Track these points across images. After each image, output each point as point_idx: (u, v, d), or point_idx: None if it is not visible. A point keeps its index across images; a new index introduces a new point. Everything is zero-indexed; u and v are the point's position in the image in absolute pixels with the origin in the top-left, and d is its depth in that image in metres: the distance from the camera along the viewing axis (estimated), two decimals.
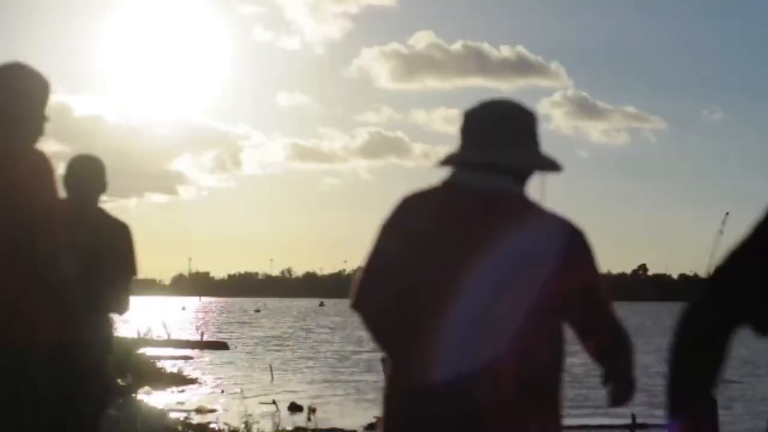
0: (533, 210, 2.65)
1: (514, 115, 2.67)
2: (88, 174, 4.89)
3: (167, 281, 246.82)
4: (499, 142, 2.63)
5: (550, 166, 2.69)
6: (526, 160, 2.66)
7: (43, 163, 3.50)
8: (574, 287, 2.63)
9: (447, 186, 2.68)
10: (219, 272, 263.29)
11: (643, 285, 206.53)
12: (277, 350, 33.26)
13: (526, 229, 2.59)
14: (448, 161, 2.70)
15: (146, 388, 15.97)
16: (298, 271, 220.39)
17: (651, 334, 48.16)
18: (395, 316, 2.68)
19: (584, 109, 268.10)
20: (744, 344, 2.61)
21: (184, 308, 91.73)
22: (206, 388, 19.66)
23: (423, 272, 2.62)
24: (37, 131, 3.58)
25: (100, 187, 4.95)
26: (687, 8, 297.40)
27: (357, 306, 2.73)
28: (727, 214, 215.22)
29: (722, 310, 1.97)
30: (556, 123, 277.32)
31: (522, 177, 2.68)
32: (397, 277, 2.66)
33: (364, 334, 3.36)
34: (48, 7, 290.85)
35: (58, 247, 3.51)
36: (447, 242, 2.62)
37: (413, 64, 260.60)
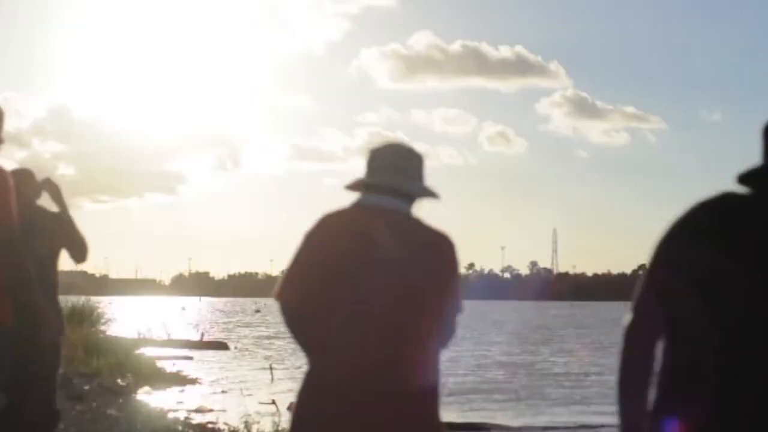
0: (423, 227, 3.42)
1: (409, 155, 3.49)
2: (26, 183, 5.61)
3: (167, 281, 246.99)
4: (399, 173, 3.43)
5: (432, 194, 3.49)
6: (416, 189, 3.45)
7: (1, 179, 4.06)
8: (452, 294, 3.40)
9: (358, 206, 3.44)
10: (219, 272, 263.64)
11: None
12: (277, 350, 33.28)
13: (424, 242, 3.38)
14: (356, 185, 3.48)
15: (146, 388, 15.97)
16: None
17: None
18: (313, 316, 3.37)
19: (584, 109, 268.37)
20: None
21: (184, 308, 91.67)
22: (206, 388, 19.65)
23: (342, 279, 3.31)
24: None
25: (35, 193, 5.72)
26: (687, 8, 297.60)
27: (278, 297, 3.44)
28: None
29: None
30: (555, 123, 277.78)
31: (412, 201, 3.46)
32: (314, 282, 3.35)
33: None
34: (47, 7, 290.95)
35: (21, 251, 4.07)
36: (360, 254, 3.33)
37: (413, 65, 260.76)
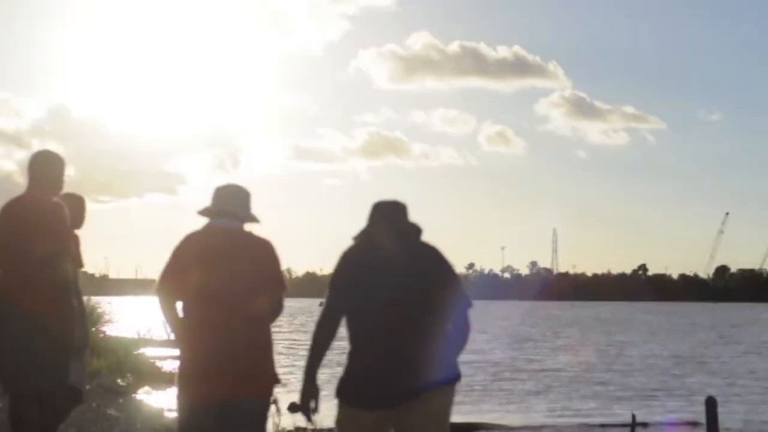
0: (251, 236, 5.20)
1: (241, 191, 5.26)
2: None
3: None
4: (232, 203, 5.19)
5: (255, 219, 5.25)
6: (243, 213, 5.21)
7: (57, 207, 5.80)
8: (271, 277, 5.22)
9: (208, 227, 5.19)
10: None
11: (643, 285, 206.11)
12: (276, 350, 33.26)
13: (252, 246, 5.15)
14: (205, 212, 5.21)
15: (146, 388, 15.97)
16: (298, 271, 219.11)
17: (656, 334, 48.00)
18: (193, 305, 5.09)
19: (582, 109, 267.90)
20: None
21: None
22: None
23: (203, 280, 4.98)
24: (58, 190, 5.97)
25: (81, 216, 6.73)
26: (686, 9, 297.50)
27: (158, 291, 5.09)
28: (727, 214, 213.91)
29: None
30: (554, 123, 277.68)
31: (242, 221, 5.20)
32: (191, 281, 5.01)
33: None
34: (47, 7, 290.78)
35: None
36: (212, 260, 5.03)
37: (411, 65, 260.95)
